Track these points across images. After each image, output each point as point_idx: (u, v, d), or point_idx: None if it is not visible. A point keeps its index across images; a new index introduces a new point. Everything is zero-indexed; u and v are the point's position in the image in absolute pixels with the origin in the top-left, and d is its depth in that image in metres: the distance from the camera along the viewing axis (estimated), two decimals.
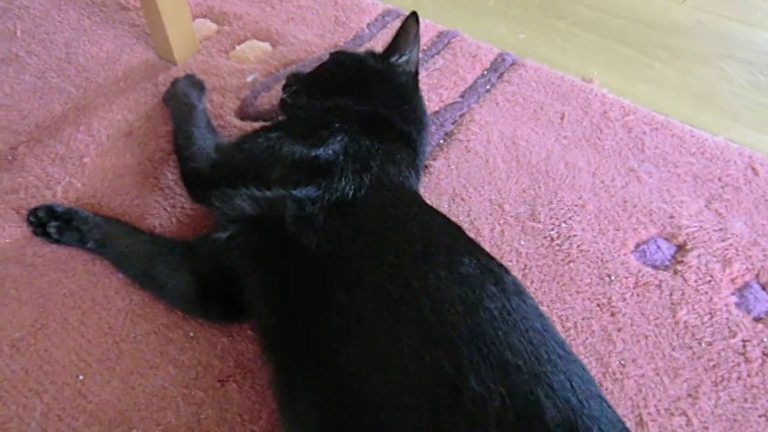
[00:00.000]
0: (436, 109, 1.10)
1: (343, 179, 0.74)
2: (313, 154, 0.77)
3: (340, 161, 0.76)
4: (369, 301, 0.60)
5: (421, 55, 1.20)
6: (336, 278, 0.64)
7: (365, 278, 0.63)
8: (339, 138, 0.78)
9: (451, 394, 0.52)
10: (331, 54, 0.96)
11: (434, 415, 0.51)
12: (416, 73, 0.93)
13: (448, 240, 0.69)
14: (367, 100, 0.86)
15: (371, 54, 0.94)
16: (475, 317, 0.56)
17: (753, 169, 1.01)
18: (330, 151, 0.77)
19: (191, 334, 0.82)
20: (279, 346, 0.68)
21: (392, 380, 0.55)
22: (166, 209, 0.95)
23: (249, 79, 1.15)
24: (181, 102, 1.04)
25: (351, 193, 0.73)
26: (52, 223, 0.89)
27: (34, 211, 0.91)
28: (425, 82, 1.15)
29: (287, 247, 0.69)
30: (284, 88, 0.97)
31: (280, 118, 1.06)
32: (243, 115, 1.08)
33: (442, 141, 1.05)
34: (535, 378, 0.52)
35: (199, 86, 1.10)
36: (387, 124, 0.85)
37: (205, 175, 0.86)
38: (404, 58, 0.92)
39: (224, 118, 1.07)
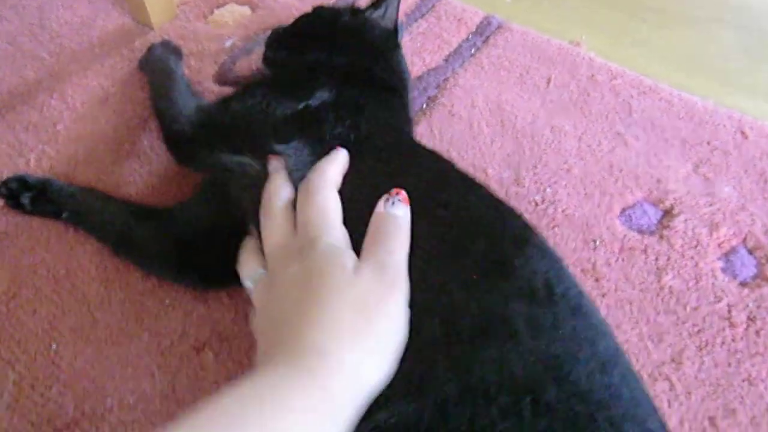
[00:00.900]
0: (419, 73, 1.08)
1: (338, 125, 0.73)
2: (302, 105, 0.75)
3: (332, 109, 0.75)
4: None
5: (404, 18, 1.18)
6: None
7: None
8: (326, 89, 0.77)
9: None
10: (313, 8, 0.94)
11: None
12: (396, 32, 0.90)
13: (457, 173, 0.70)
14: (344, 54, 0.85)
15: (350, 9, 0.91)
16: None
17: (742, 132, 0.99)
18: (319, 102, 0.76)
19: (167, 302, 0.80)
20: None
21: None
22: (142, 176, 0.92)
23: (227, 44, 1.12)
24: (158, 68, 1.01)
25: (350, 136, 0.72)
26: (25, 194, 0.86)
27: (5, 183, 0.88)
28: (409, 46, 1.12)
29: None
30: (267, 40, 0.95)
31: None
32: (222, 80, 1.06)
33: (425, 105, 1.03)
34: None
35: (176, 52, 1.07)
36: (370, 75, 0.83)
37: (189, 137, 0.83)
38: (379, 12, 0.89)
39: (202, 84, 1.05)
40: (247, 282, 0.64)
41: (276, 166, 0.68)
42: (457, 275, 0.54)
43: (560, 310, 0.53)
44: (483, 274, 0.54)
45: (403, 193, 0.56)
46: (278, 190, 0.63)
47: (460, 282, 0.54)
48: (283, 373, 0.41)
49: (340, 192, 0.63)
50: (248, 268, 0.65)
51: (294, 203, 0.61)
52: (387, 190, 0.60)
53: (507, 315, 0.51)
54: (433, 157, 0.74)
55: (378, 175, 0.68)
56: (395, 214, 0.54)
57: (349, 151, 0.70)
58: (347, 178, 0.66)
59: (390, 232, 0.53)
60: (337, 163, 0.62)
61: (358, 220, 0.60)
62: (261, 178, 0.71)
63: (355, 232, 0.58)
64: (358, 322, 0.44)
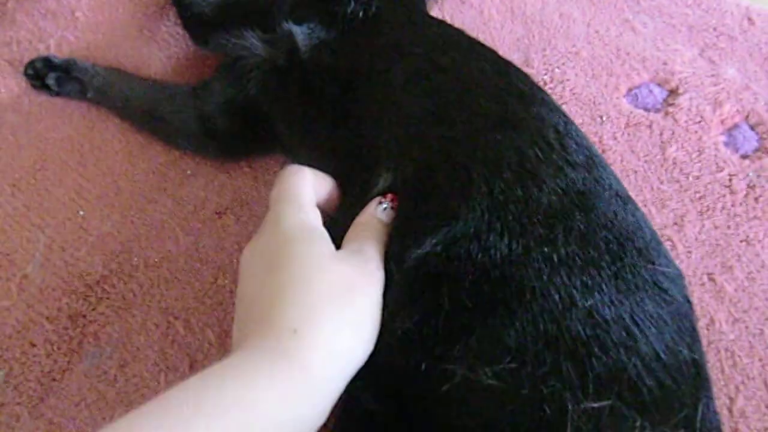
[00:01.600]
0: None
1: (350, 3, 0.74)
2: None
3: None
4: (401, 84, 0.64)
5: None
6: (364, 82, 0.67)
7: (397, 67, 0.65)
8: None
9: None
10: None
11: None
12: None
13: (463, 39, 0.72)
14: None
15: None
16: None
17: (749, 19, 1.00)
18: None
19: (189, 172, 0.83)
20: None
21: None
22: (161, 60, 0.94)
23: None
24: None
25: (361, 13, 0.73)
26: (51, 74, 0.89)
27: (31, 64, 0.90)
28: None
29: (308, 81, 0.71)
30: None
31: None
32: None
33: None
34: None
35: None
36: None
37: (208, 19, 0.86)
38: None
39: None
40: None
41: None
42: (461, 130, 0.57)
43: (573, 154, 0.55)
44: (490, 127, 0.57)
45: (395, 201, 0.55)
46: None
47: (464, 136, 0.56)
48: (259, 357, 0.40)
49: (352, 76, 0.67)
50: None
51: None
52: (396, 69, 0.64)
53: (523, 159, 0.53)
54: (442, 26, 0.76)
55: (387, 47, 0.70)
56: (382, 219, 0.54)
57: (361, 29, 0.72)
58: (358, 61, 0.69)
59: (375, 231, 0.53)
60: (312, 172, 0.57)
61: (366, 98, 0.64)
62: (268, 60, 0.74)
63: (361, 116, 0.63)
64: (334, 305, 0.44)
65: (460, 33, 0.73)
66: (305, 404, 0.40)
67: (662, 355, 0.43)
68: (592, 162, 0.56)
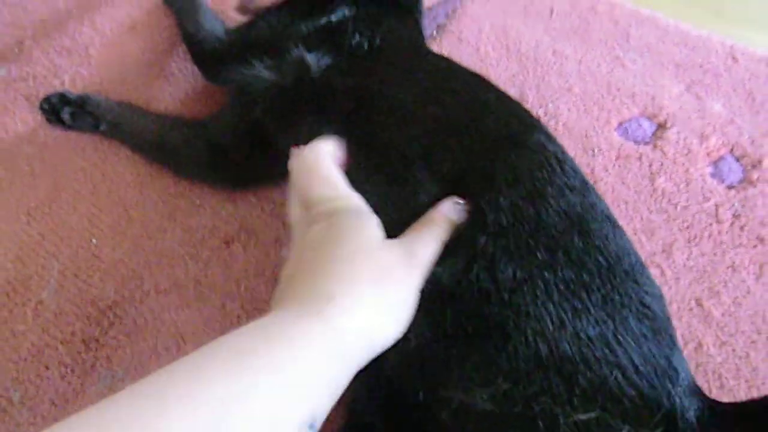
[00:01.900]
0: (429, 4, 1.13)
1: (356, 36, 0.78)
2: (324, 20, 0.81)
3: (351, 22, 0.80)
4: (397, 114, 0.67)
5: None
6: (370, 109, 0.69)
7: (397, 101, 0.68)
8: (345, 6, 0.83)
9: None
10: None
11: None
12: None
13: (464, 70, 0.75)
14: None
15: None
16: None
17: (733, 57, 1.05)
18: (340, 16, 0.82)
19: (197, 202, 0.87)
20: None
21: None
22: (170, 95, 0.99)
23: None
24: None
25: (366, 44, 0.77)
26: (66, 109, 0.93)
27: (47, 99, 0.94)
28: None
29: (317, 100, 0.74)
30: None
31: None
32: (244, 10, 1.11)
33: (435, 33, 1.09)
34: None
35: None
36: None
37: (219, 54, 0.90)
38: None
39: (225, 14, 1.10)
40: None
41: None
42: (478, 145, 0.60)
43: (572, 179, 0.59)
44: (503, 146, 0.60)
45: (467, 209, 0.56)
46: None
47: (482, 149, 0.60)
48: (296, 317, 0.41)
49: (361, 94, 0.70)
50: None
51: None
52: (405, 89, 0.68)
53: (534, 179, 0.57)
54: (444, 59, 0.80)
55: (396, 73, 0.74)
56: (453, 219, 0.54)
57: (367, 58, 0.76)
58: (367, 81, 0.72)
59: (434, 235, 0.53)
60: (327, 143, 0.57)
61: (375, 119, 0.67)
62: (276, 84, 0.78)
63: (372, 132, 0.66)
64: (372, 285, 0.45)
65: (460, 65, 0.77)
66: (336, 366, 0.41)
67: (640, 367, 0.46)
68: (586, 188, 0.60)
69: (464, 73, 0.75)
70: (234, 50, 0.87)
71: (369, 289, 0.45)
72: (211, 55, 0.91)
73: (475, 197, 0.55)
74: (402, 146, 0.62)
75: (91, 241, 0.84)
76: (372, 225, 0.50)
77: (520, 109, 0.68)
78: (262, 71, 0.80)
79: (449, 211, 0.55)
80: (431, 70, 0.74)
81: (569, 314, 0.48)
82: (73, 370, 0.74)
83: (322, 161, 0.54)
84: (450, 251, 0.52)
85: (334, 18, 0.82)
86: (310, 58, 0.77)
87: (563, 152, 0.63)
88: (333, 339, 0.40)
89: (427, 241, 0.52)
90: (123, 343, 0.76)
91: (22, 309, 0.78)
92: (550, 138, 0.65)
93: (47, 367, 0.74)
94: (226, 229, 0.84)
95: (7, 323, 0.77)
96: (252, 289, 0.79)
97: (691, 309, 0.78)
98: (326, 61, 0.77)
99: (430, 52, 0.83)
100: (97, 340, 0.76)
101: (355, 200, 0.52)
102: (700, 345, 0.75)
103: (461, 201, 0.56)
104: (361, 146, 0.67)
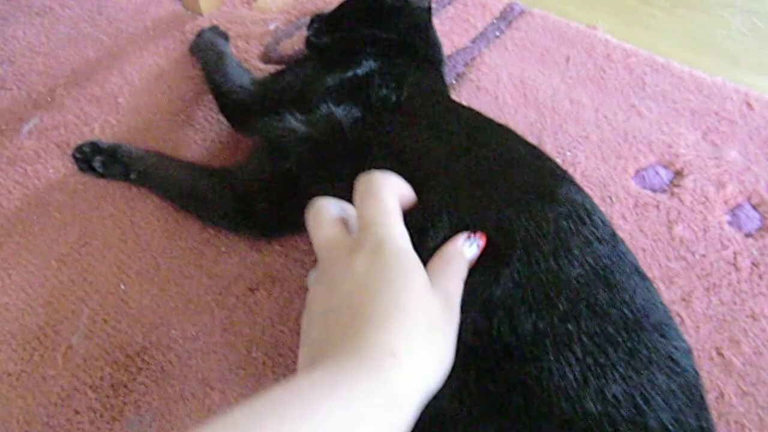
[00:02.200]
0: (449, 53, 1.16)
1: (383, 89, 0.80)
2: (350, 74, 0.84)
3: (377, 76, 0.83)
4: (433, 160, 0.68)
5: (434, 5, 1.26)
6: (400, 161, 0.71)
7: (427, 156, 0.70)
8: (371, 59, 0.86)
9: None
10: None
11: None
12: (429, 8, 0.99)
13: (493, 122, 0.77)
14: (388, 30, 0.93)
15: None
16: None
17: (748, 104, 1.07)
18: (366, 70, 0.84)
19: (223, 249, 0.89)
20: None
21: None
22: (197, 143, 1.02)
23: (271, 27, 1.21)
24: (210, 49, 1.10)
25: (393, 98, 0.80)
26: (97, 157, 0.96)
27: (79, 147, 0.98)
28: (438, 29, 1.19)
29: (348, 152, 0.76)
30: (309, 27, 1.04)
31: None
32: (267, 59, 1.15)
33: (453, 81, 1.11)
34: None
35: (224, 36, 1.17)
36: (411, 48, 0.92)
37: (247, 105, 0.93)
38: None
39: (249, 62, 1.14)
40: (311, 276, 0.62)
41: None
42: (505, 197, 0.61)
43: (600, 230, 0.60)
44: (530, 198, 0.61)
45: (484, 239, 0.55)
46: (326, 200, 0.57)
47: (508, 201, 0.60)
48: (354, 376, 0.38)
49: (390, 146, 0.72)
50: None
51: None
52: (433, 142, 0.70)
53: (559, 230, 0.57)
54: (471, 110, 0.82)
55: (420, 127, 0.76)
56: (467, 256, 0.54)
57: (393, 111, 0.79)
58: (395, 134, 0.75)
59: (457, 270, 0.52)
60: (398, 178, 0.56)
61: (403, 172, 0.69)
62: (308, 137, 0.80)
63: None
64: (427, 334, 0.43)
65: (487, 117, 0.79)
66: (396, 420, 0.39)
67: (670, 427, 0.46)
68: (616, 238, 0.61)
69: (493, 125, 0.77)
70: (263, 102, 0.90)
71: (424, 341, 0.43)
72: (239, 106, 0.93)
73: (494, 248, 0.55)
74: (428, 198, 0.62)
75: (119, 287, 0.86)
76: (421, 269, 0.48)
77: (549, 161, 0.69)
78: (293, 123, 0.82)
79: (463, 246, 0.54)
80: (459, 123, 0.75)
81: (593, 370, 0.48)
82: (101, 416, 0.75)
83: (386, 189, 0.53)
84: (467, 304, 0.51)
85: (360, 71, 0.85)
86: (340, 112, 0.79)
87: (592, 204, 0.64)
88: (394, 396, 0.39)
89: (455, 282, 0.51)
90: (151, 388, 0.77)
91: (53, 354, 0.80)
92: (579, 190, 0.65)
93: (77, 412, 0.76)
94: (251, 277, 0.86)
95: (39, 368, 0.79)
96: (276, 336, 0.80)
97: (711, 358, 0.78)
98: (355, 113, 0.79)
99: (456, 104, 0.85)
100: (125, 386, 0.77)
101: (405, 238, 0.50)
102: (721, 395, 0.75)
103: (474, 236, 0.55)
104: None
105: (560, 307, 0.51)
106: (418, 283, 0.46)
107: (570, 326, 0.50)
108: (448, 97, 0.89)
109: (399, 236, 0.49)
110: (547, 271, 0.53)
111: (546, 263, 0.54)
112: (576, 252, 0.55)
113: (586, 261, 0.55)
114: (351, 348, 0.41)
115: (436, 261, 0.53)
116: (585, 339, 0.49)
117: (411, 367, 0.41)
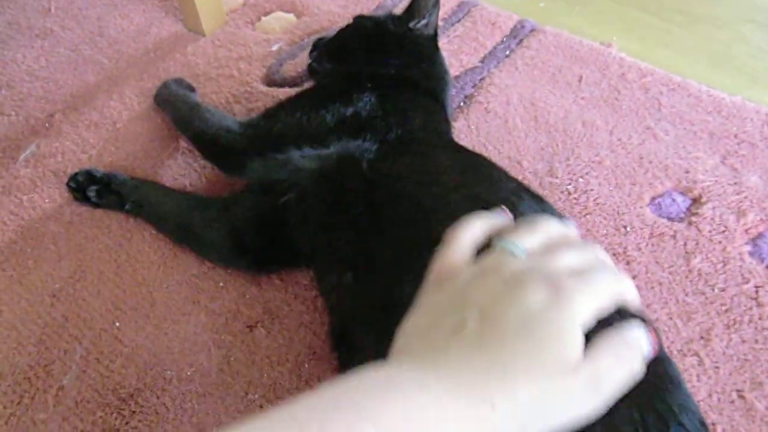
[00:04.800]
0: (457, 73, 1.13)
1: (381, 128, 0.79)
2: (352, 111, 0.81)
3: (380, 115, 0.80)
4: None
5: (441, 23, 1.23)
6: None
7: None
8: (372, 98, 0.82)
9: None
10: (354, 18, 0.99)
11: None
12: (435, 34, 0.96)
13: (490, 168, 0.76)
14: (389, 64, 0.91)
15: (391, 17, 0.96)
16: None
17: None
18: (363, 107, 0.81)
19: (221, 284, 0.86)
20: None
21: None
22: (196, 170, 0.99)
23: (274, 48, 1.18)
24: (180, 99, 1.03)
25: (391, 137, 0.78)
26: (91, 187, 0.93)
27: (74, 177, 0.95)
28: (446, 48, 1.17)
29: (364, 191, 0.74)
30: (311, 53, 1.01)
31: (306, 84, 1.09)
32: (269, 81, 1.12)
33: (462, 103, 1.08)
34: None
35: (190, 88, 1.10)
36: (412, 82, 0.89)
37: (239, 147, 0.86)
38: (423, 22, 0.94)
39: (251, 85, 1.11)
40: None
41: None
42: None
43: None
44: None
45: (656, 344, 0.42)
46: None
47: None
48: (447, 390, 0.36)
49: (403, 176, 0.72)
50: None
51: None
52: (433, 184, 0.70)
53: None
54: (468, 154, 0.80)
55: (418, 170, 0.74)
56: (636, 354, 0.41)
57: (391, 150, 0.76)
58: (391, 172, 0.73)
59: (621, 357, 0.40)
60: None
61: (398, 212, 0.68)
62: (321, 175, 0.78)
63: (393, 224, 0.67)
64: (536, 405, 0.37)
65: (487, 161, 0.78)
66: None
67: None
68: None
69: (491, 164, 0.76)
70: (261, 142, 0.85)
71: (530, 405, 0.37)
72: (230, 150, 0.87)
73: None
74: (423, 237, 0.58)
75: (114, 324, 0.83)
76: (579, 337, 0.39)
77: (545, 205, 0.69)
78: (301, 161, 0.79)
79: (630, 332, 0.42)
80: (465, 165, 0.75)
81: None
82: None
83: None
84: None
85: (358, 109, 0.81)
86: (352, 147, 0.77)
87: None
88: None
89: (612, 369, 0.41)
90: None
91: (44, 396, 0.77)
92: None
93: None
94: (249, 313, 0.83)
95: (29, 411, 0.76)
96: (274, 378, 0.77)
97: (732, 401, 0.74)
98: (364, 151, 0.77)
99: (459, 146, 0.84)
100: (118, 430, 0.74)
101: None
102: None
103: (649, 334, 0.43)
104: (392, 232, 0.68)
105: None
106: (568, 347, 0.38)
107: None
108: (446, 136, 0.88)
109: (584, 303, 0.40)
110: None
111: None
112: None
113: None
114: (461, 370, 0.37)
115: (600, 339, 0.41)
116: None
117: (500, 418, 0.36)
